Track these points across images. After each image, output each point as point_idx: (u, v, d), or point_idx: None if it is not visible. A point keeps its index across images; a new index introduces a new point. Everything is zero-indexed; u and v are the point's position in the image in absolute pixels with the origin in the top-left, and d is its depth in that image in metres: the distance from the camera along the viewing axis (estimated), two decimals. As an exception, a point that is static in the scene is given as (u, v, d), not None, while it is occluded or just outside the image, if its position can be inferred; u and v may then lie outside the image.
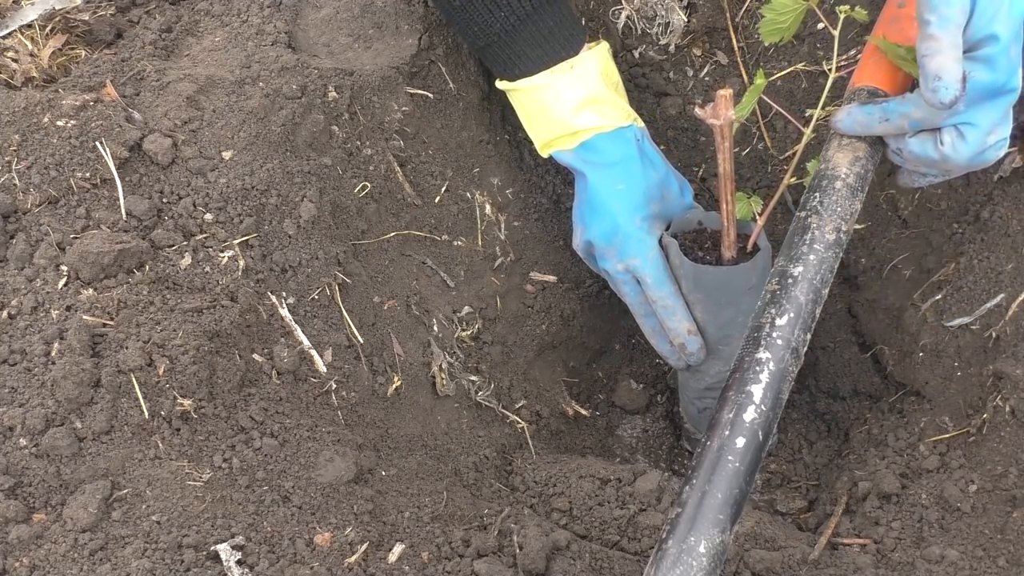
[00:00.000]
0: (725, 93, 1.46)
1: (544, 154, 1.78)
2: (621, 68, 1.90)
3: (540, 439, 1.83)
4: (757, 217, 1.62)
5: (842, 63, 1.52)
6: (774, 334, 1.28)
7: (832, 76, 1.42)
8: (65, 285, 1.36)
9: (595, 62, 1.68)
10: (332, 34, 1.79)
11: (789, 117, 1.57)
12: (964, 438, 1.55)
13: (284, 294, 1.48)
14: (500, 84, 1.74)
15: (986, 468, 1.46)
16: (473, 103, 1.87)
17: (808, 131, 1.49)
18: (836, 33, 1.41)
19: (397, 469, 1.47)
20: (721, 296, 1.66)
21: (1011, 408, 1.46)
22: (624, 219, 1.69)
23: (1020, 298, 1.55)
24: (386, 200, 1.71)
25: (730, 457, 1.18)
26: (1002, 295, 1.58)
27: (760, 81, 1.49)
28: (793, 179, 1.53)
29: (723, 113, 1.46)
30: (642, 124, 1.75)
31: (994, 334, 1.57)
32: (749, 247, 1.64)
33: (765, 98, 1.59)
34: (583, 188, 1.75)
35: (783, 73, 1.83)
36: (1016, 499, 1.40)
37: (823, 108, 1.43)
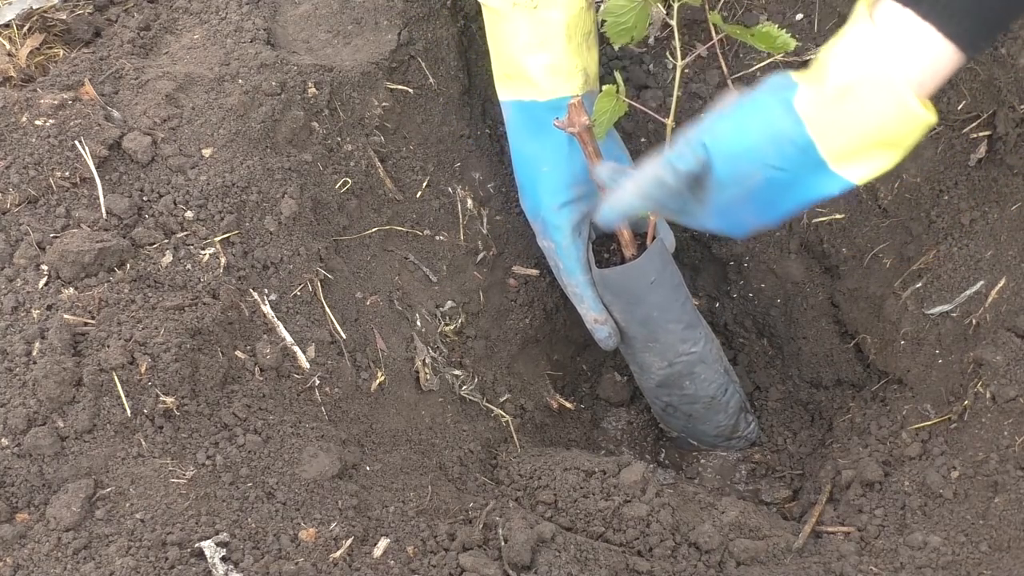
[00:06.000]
0: (575, 102, 1.50)
1: (500, 94, 1.70)
2: (601, 62, 1.90)
3: (525, 432, 1.83)
4: (650, 215, 1.64)
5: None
6: None
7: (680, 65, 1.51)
8: (46, 284, 1.35)
9: (563, 10, 1.57)
10: (311, 30, 1.78)
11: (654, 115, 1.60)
12: (946, 425, 1.56)
13: (266, 291, 1.48)
14: None
15: (968, 454, 1.47)
16: (453, 98, 1.86)
17: (670, 121, 1.54)
18: (674, 23, 1.52)
19: (381, 464, 1.47)
20: (628, 295, 1.69)
21: (991, 394, 1.47)
22: (545, 202, 1.69)
23: (999, 285, 1.56)
24: (367, 196, 1.71)
25: None
26: (981, 282, 1.60)
27: (608, 87, 1.53)
28: None
29: (577, 120, 1.51)
30: (592, 87, 1.66)
31: (974, 321, 1.58)
32: (648, 244, 1.67)
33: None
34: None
35: (763, 64, 1.84)
36: (997, 485, 1.41)
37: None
